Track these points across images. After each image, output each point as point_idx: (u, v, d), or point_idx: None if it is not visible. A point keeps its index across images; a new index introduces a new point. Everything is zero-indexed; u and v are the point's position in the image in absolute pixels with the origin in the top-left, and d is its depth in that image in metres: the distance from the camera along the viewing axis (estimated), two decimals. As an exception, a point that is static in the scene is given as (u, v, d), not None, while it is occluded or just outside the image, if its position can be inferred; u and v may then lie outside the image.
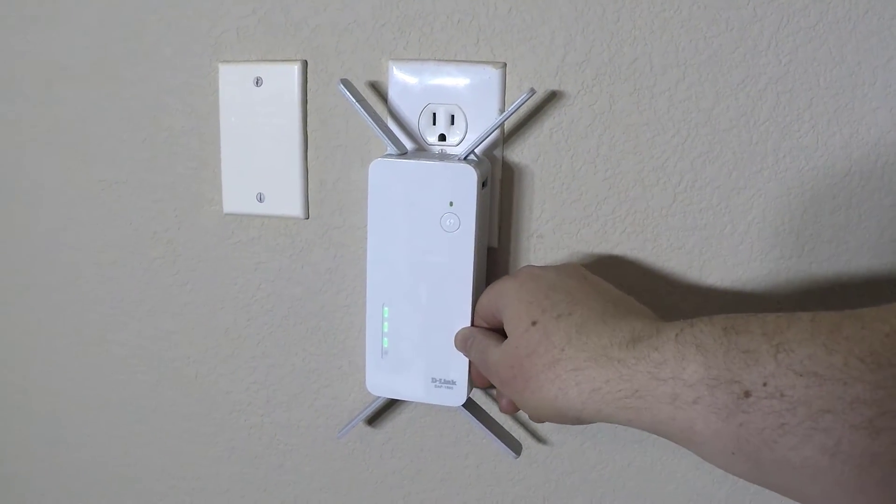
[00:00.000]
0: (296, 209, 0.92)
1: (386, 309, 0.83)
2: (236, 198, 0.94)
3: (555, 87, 0.82)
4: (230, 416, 1.05)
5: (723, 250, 0.83)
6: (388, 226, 0.80)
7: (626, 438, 0.91)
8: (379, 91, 0.86)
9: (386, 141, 0.81)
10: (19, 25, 0.98)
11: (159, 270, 1.01)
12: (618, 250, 0.85)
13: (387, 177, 0.79)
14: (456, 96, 0.83)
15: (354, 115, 0.88)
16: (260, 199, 0.92)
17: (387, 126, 0.84)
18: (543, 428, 0.93)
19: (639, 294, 0.83)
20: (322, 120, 0.89)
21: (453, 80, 0.83)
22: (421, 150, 0.86)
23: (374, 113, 0.82)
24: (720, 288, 0.84)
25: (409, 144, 0.86)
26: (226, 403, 1.04)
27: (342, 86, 0.80)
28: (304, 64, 0.88)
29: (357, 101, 0.81)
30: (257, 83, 0.89)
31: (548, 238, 0.86)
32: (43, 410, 1.15)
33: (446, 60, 0.84)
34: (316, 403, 1.00)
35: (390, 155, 0.81)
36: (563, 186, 0.85)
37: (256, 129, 0.91)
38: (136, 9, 0.93)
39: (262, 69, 0.89)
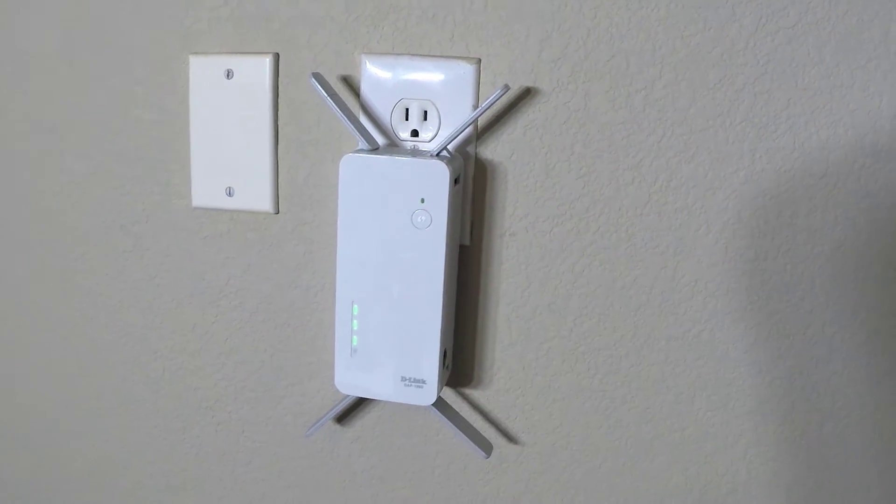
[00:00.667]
0: (266, 204, 0.91)
1: (356, 306, 0.82)
2: (205, 191, 0.93)
3: (530, 84, 0.81)
4: (198, 412, 1.04)
5: (697, 250, 0.83)
6: (358, 222, 0.80)
7: (597, 439, 0.91)
8: (351, 85, 0.85)
9: (357, 136, 0.81)
10: (-14, 12, 0.97)
11: (127, 264, 1.00)
12: (591, 249, 0.85)
13: (358, 172, 0.79)
14: (429, 92, 0.82)
15: (326, 110, 0.87)
16: (229, 193, 0.91)
17: (358, 121, 0.83)
18: (514, 428, 0.93)
19: (612, 293, 0.83)
20: (293, 114, 0.88)
21: (427, 75, 0.82)
22: (393, 146, 0.85)
23: (346, 107, 0.81)
24: (694, 288, 0.83)
25: (381, 140, 0.85)
26: (193, 399, 1.03)
27: (314, 80, 0.80)
28: (276, 57, 0.87)
29: (329, 95, 0.80)
30: (228, 75, 0.88)
31: (520, 236, 0.86)
32: (7, 404, 1.14)
33: (420, 55, 0.83)
34: (284, 401, 0.99)
35: (362, 150, 0.80)
36: (537, 184, 0.84)
37: (227, 122, 0.90)
38: (105, -2, 0.92)
39: (234, 61, 0.88)
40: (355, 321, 0.83)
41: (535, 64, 0.81)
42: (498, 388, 0.91)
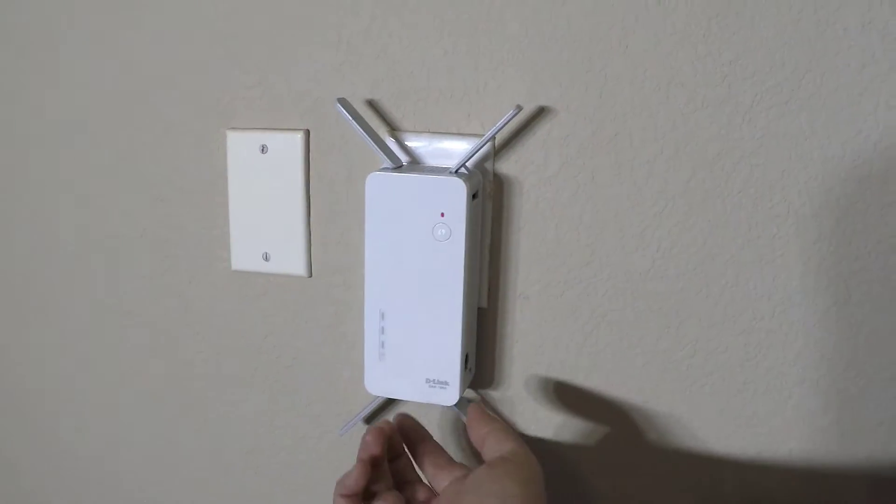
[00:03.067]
0: (300, 268, 0.97)
1: (383, 314, 0.87)
2: (244, 256, 0.99)
3: (540, 160, 0.86)
4: (239, 456, 1.10)
5: (697, 312, 0.87)
6: (383, 235, 0.84)
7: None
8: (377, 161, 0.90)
9: (381, 155, 0.85)
10: (38, 85, 1.03)
11: (171, 322, 1.06)
12: (599, 311, 0.89)
13: (382, 189, 0.83)
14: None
15: (354, 181, 0.93)
16: (266, 257, 0.97)
17: (383, 141, 0.87)
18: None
19: (619, 352, 0.87)
20: (324, 185, 0.94)
21: (448, 149, 0.88)
22: (415, 164, 0.89)
23: (371, 129, 0.86)
24: (696, 347, 0.88)
25: (404, 159, 0.89)
26: (235, 445, 1.09)
27: (339, 105, 0.85)
28: (307, 133, 0.93)
29: (354, 118, 0.85)
30: (263, 150, 0.93)
31: (533, 299, 0.91)
32: (51, 454, 1.20)
33: (440, 133, 0.88)
34: (318, 446, 1.05)
35: (386, 168, 0.85)
36: (549, 252, 0.89)
37: (262, 193, 0.95)
38: (149, 75, 0.98)
39: (268, 137, 0.94)
40: (383, 327, 0.87)
41: (545, 141, 0.86)
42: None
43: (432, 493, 0.83)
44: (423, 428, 0.87)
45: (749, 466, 0.91)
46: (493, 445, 0.77)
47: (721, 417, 0.90)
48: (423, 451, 0.85)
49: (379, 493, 0.80)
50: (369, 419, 0.99)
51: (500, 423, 0.81)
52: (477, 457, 0.86)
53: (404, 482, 0.85)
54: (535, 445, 0.96)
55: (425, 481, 0.85)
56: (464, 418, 0.86)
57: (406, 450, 0.86)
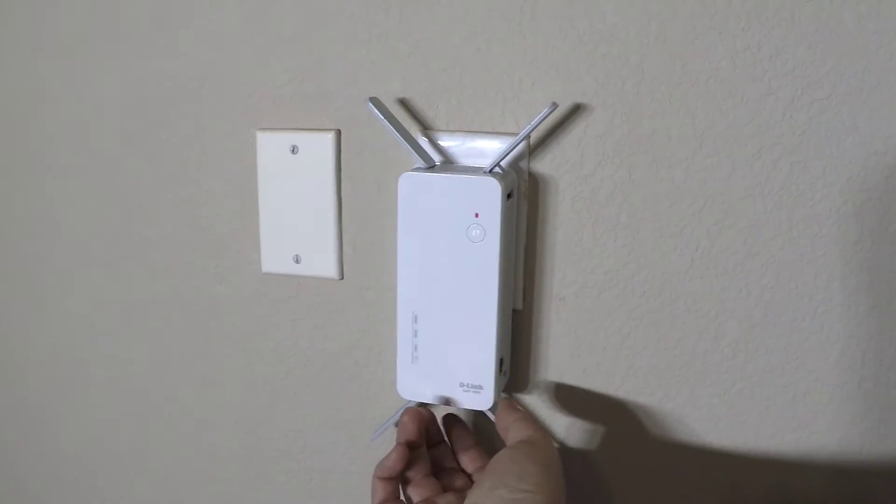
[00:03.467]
0: (331, 271, 0.96)
1: (416, 317, 0.85)
2: (274, 259, 0.98)
3: (576, 159, 0.85)
4: (268, 461, 1.09)
5: (737, 313, 0.85)
6: (417, 236, 0.83)
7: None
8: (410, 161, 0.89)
9: (414, 155, 0.84)
10: (66, 87, 1.03)
11: (202, 324, 1.05)
12: (636, 313, 0.88)
13: (415, 189, 0.82)
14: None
15: (386, 182, 0.92)
16: (297, 260, 0.96)
17: (415, 141, 0.86)
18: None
19: (657, 354, 0.86)
20: (355, 186, 0.93)
21: (481, 149, 0.87)
22: (448, 163, 0.88)
23: (403, 129, 0.85)
24: (735, 349, 0.87)
25: (437, 159, 0.88)
26: (265, 449, 1.08)
27: (371, 104, 0.83)
28: (338, 133, 0.92)
29: (385, 117, 0.83)
30: (293, 151, 0.93)
31: (570, 301, 0.89)
32: (84, 452, 1.19)
33: (474, 132, 0.87)
34: (350, 452, 1.04)
35: (419, 168, 0.83)
36: (585, 252, 0.87)
37: (293, 194, 0.94)
38: (178, 75, 0.97)
39: (298, 137, 0.93)
40: (416, 330, 0.86)
41: (581, 139, 0.84)
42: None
43: (470, 481, 0.85)
44: (463, 422, 0.89)
45: (790, 470, 0.89)
46: (515, 432, 0.78)
47: (761, 421, 0.88)
48: (463, 442, 0.87)
49: (416, 479, 0.82)
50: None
51: (525, 413, 0.81)
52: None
53: (442, 469, 0.87)
54: (570, 451, 0.95)
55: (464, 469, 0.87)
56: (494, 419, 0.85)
57: (446, 438, 0.89)
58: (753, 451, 0.90)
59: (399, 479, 0.82)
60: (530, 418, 0.80)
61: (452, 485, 0.85)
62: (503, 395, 0.94)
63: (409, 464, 0.82)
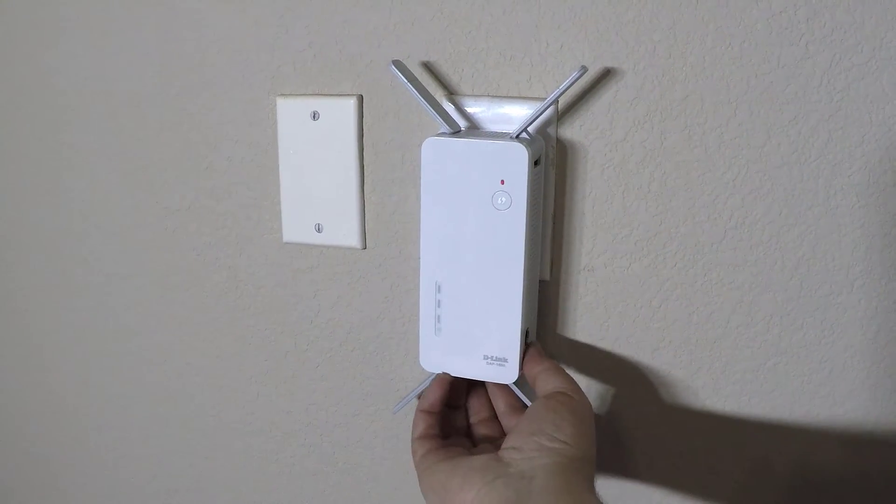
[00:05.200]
0: (353, 240, 0.94)
1: (439, 286, 0.83)
2: (295, 228, 0.96)
3: (605, 125, 0.83)
4: (290, 434, 1.08)
5: (773, 286, 0.83)
6: (441, 203, 0.81)
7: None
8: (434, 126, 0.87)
9: (439, 120, 0.81)
10: (85, 55, 1.01)
11: (222, 295, 1.04)
12: (668, 285, 0.86)
13: (439, 155, 0.79)
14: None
15: (410, 148, 0.90)
16: (318, 229, 0.94)
17: (440, 105, 0.84)
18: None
19: (689, 327, 0.84)
20: (378, 153, 0.91)
21: (508, 115, 0.84)
22: (474, 129, 0.86)
23: (427, 92, 0.83)
24: (770, 322, 0.84)
25: (462, 124, 0.86)
26: (286, 422, 1.07)
27: (394, 67, 0.81)
28: (360, 98, 0.90)
29: (409, 81, 0.81)
30: (314, 117, 0.91)
31: (598, 272, 0.87)
32: (107, 424, 1.19)
33: (500, 96, 0.85)
34: (373, 425, 1.02)
35: (443, 133, 0.81)
36: (615, 221, 0.85)
37: (314, 162, 0.93)
38: (196, 42, 0.95)
39: (319, 103, 0.91)
40: (439, 300, 0.84)
41: (611, 104, 0.82)
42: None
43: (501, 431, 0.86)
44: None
45: (823, 446, 0.88)
46: (545, 383, 0.78)
47: (796, 396, 0.87)
48: (499, 393, 0.87)
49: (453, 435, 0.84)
50: (425, 396, 0.96)
51: (554, 363, 0.81)
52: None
53: (480, 420, 0.87)
54: (597, 421, 0.93)
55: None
56: (521, 395, 0.85)
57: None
58: (786, 426, 0.88)
59: (440, 414, 0.83)
60: (560, 369, 0.80)
61: (490, 435, 0.85)
62: (532, 340, 0.91)
63: (448, 422, 0.84)
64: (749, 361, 0.87)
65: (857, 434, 0.86)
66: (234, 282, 1.02)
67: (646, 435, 0.92)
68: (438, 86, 0.87)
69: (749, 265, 0.83)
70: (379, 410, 1.01)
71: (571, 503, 0.66)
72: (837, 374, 0.85)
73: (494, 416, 0.87)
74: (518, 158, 0.77)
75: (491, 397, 0.88)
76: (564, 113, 0.84)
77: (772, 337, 0.85)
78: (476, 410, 0.88)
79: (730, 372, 0.87)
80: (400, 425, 1.01)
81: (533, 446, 0.70)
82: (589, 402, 0.76)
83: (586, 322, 0.90)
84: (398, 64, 0.82)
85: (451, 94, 0.87)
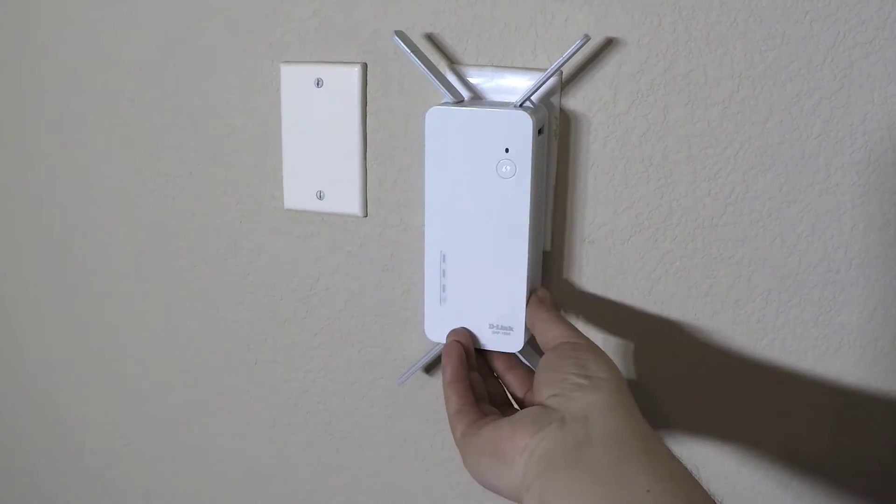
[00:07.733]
0: (354, 207, 0.94)
1: (444, 255, 0.83)
2: (297, 195, 0.96)
3: (609, 97, 0.83)
4: (288, 402, 1.08)
5: (771, 261, 0.84)
6: (445, 172, 0.81)
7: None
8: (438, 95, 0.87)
9: (442, 89, 0.82)
10: (86, 22, 1.01)
11: (221, 262, 1.04)
12: (667, 258, 0.86)
13: (443, 124, 0.80)
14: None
15: (413, 117, 0.90)
16: (320, 196, 0.94)
17: (443, 75, 0.84)
18: None
19: (688, 301, 0.84)
20: (381, 121, 0.91)
21: (511, 86, 0.84)
22: (477, 99, 0.86)
23: (430, 63, 0.83)
24: (768, 298, 0.85)
25: (465, 94, 0.86)
26: (284, 390, 1.07)
27: (397, 37, 0.81)
28: (364, 66, 0.90)
29: (412, 51, 0.81)
30: (318, 84, 0.91)
31: (599, 244, 0.88)
32: (103, 392, 1.19)
33: (504, 67, 0.85)
34: (370, 394, 1.03)
35: (447, 103, 0.81)
36: (616, 194, 0.86)
37: (317, 129, 0.93)
38: (199, 8, 0.95)
39: (323, 70, 0.91)
40: (444, 269, 0.84)
41: (615, 76, 0.82)
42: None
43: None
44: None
45: (820, 425, 0.88)
46: (544, 333, 0.78)
47: (791, 375, 0.87)
48: (507, 364, 0.85)
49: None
50: (429, 368, 0.97)
51: (555, 313, 0.80)
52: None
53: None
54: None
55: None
56: (528, 364, 0.84)
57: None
58: (783, 408, 0.89)
59: (467, 381, 0.80)
60: (559, 319, 0.79)
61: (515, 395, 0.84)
62: (539, 288, 0.91)
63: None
64: (747, 337, 0.87)
65: (852, 413, 0.87)
66: (234, 248, 1.02)
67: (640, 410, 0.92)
68: (442, 56, 0.87)
69: (749, 240, 0.84)
70: (376, 379, 1.02)
71: (641, 451, 0.64)
72: (833, 353, 0.85)
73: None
74: (522, 126, 0.77)
75: (495, 368, 0.86)
76: (568, 84, 0.84)
77: (769, 313, 0.85)
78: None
79: (729, 348, 0.88)
80: (397, 394, 1.01)
81: (570, 387, 0.68)
82: (593, 342, 0.75)
83: (586, 294, 0.90)
84: (401, 34, 0.82)
85: (455, 63, 0.87)
